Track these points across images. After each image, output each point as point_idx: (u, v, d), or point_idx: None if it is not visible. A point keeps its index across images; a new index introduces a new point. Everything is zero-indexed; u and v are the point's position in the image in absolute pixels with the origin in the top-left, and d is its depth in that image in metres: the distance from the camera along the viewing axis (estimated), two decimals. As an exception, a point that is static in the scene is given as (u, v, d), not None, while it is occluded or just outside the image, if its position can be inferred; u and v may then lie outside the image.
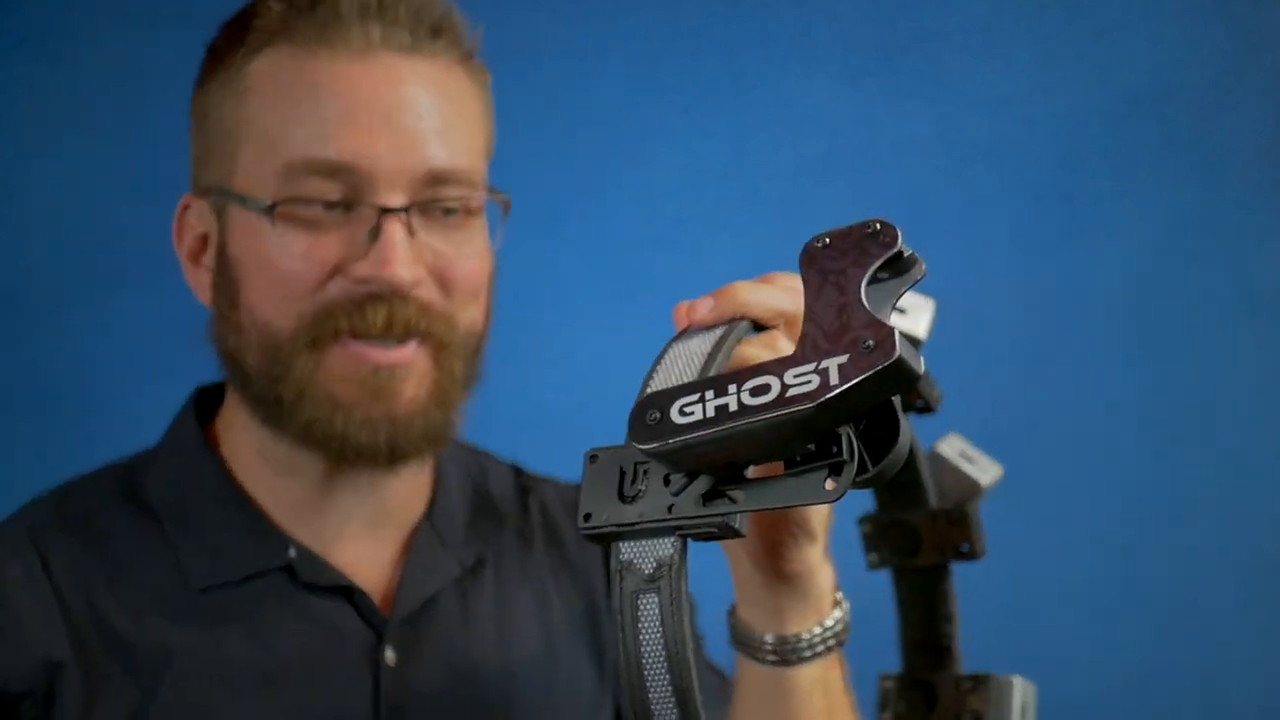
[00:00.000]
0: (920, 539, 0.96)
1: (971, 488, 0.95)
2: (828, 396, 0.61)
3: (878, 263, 0.63)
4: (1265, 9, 1.73)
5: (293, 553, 0.98)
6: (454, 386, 0.99)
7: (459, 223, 0.98)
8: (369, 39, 0.95)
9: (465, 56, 1.00)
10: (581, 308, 1.72)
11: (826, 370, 0.61)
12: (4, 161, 1.64)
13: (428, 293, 0.97)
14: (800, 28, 1.74)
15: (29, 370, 1.64)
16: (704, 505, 0.65)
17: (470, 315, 0.99)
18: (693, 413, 0.63)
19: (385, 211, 0.94)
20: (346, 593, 0.99)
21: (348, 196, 0.95)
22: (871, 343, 0.61)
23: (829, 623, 0.87)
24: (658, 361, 0.70)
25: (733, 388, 0.63)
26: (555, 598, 1.08)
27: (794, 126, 1.73)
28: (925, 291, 0.83)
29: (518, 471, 1.14)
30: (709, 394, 0.63)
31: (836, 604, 0.88)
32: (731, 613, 0.88)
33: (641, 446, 0.64)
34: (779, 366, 0.62)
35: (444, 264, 0.97)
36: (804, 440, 0.64)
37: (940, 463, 0.95)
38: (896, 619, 0.98)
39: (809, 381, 0.61)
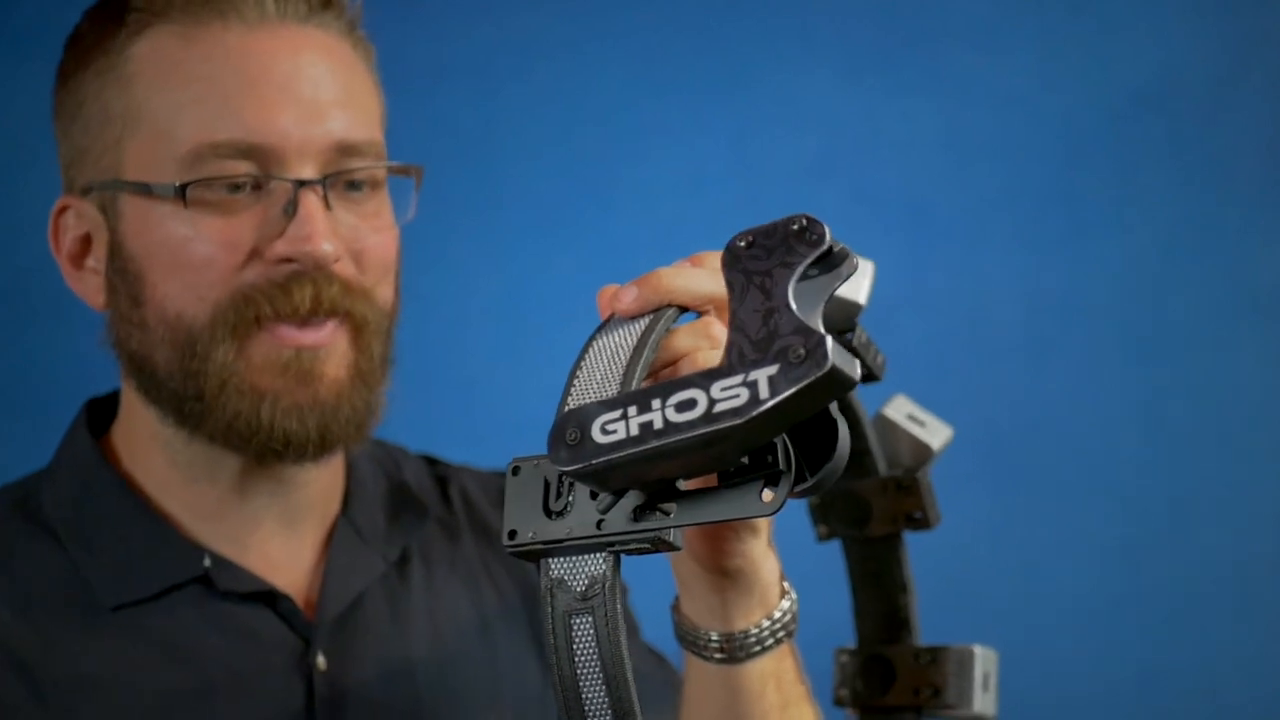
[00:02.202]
0: (870, 509, 0.92)
1: (922, 451, 0.91)
2: (758, 412, 0.58)
3: (805, 263, 0.59)
4: (1270, 7, 1.72)
5: (208, 561, 0.94)
6: (373, 368, 0.95)
7: (366, 196, 0.95)
8: (264, 9, 0.93)
9: (351, 28, 0.98)
10: (580, 307, 1.71)
11: (755, 383, 0.58)
12: (4, 161, 1.64)
13: (346, 269, 0.94)
14: (801, 24, 1.74)
15: (29, 370, 1.63)
16: (635, 520, 0.62)
17: (384, 293, 0.96)
18: (615, 431, 0.59)
19: (301, 184, 0.91)
20: (268, 598, 0.95)
21: (257, 174, 0.92)
22: (802, 352, 0.57)
23: (776, 615, 0.83)
24: (580, 359, 0.67)
25: (657, 403, 0.59)
26: (488, 588, 1.05)
27: (795, 124, 1.73)
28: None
29: (431, 461, 1.11)
30: (632, 410, 0.59)
31: (783, 594, 0.83)
32: (674, 608, 0.85)
33: (563, 468, 0.60)
34: (705, 379, 0.59)
35: (356, 239, 0.94)
36: (736, 455, 0.62)
37: (888, 427, 0.92)
38: (849, 591, 0.95)
39: (737, 396, 0.58)
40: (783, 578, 0.84)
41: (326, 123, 0.93)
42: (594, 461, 0.60)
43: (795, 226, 0.60)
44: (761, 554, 0.81)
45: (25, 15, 1.65)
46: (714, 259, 0.73)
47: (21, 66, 1.60)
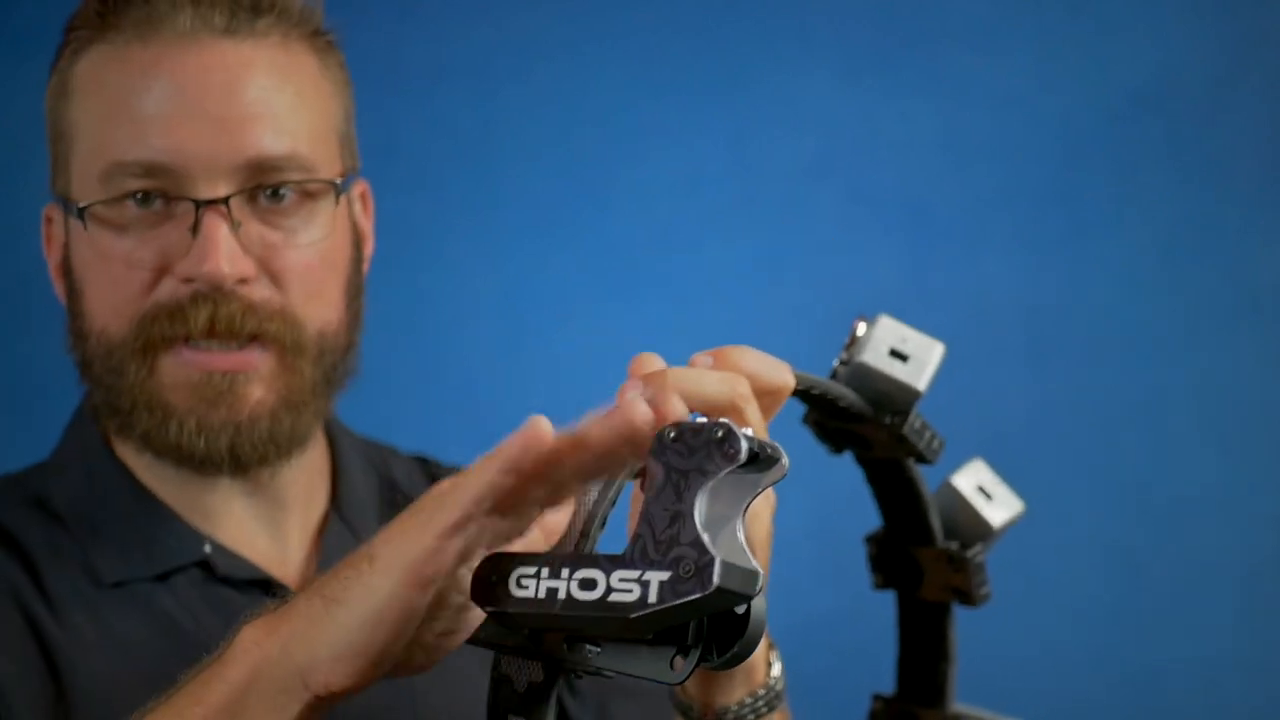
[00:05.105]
0: (923, 574, 0.89)
1: (982, 528, 0.87)
2: (641, 614, 0.59)
3: (720, 474, 0.59)
4: (1269, 7, 1.72)
5: (208, 548, 0.96)
6: (305, 390, 0.95)
7: (291, 209, 0.94)
8: (181, 26, 0.93)
9: (307, 33, 0.96)
10: (578, 307, 1.72)
11: (648, 584, 0.59)
12: (4, 161, 1.64)
13: (258, 290, 0.93)
14: (799, 25, 1.74)
15: (28, 370, 1.64)
16: (568, 648, 0.64)
17: (318, 312, 0.95)
18: (527, 588, 0.62)
19: (202, 204, 0.91)
20: (264, 586, 0.96)
21: (166, 193, 0.92)
22: (691, 568, 0.58)
23: (760, 692, 0.82)
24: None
25: (566, 572, 0.61)
26: None
27: (793, 125, 1.73)
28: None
29: (424, 461, 1.11)
30: (544, 572, 0.61)
31: (769, 667, 0.83)
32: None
33: (482, 607, 0.63)
34: (610, 564, 0.60)
35: (273, 255, 0.93)
36: (636, 635, 0.63)
37: (952, 496, 0.88)
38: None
39: (630, 591, 0.59)
40: (770, 648, 0.84)
41: (239, 138, 0.92)
42: (507, 610, 0.62)
43: (718, 434, 0.59)
44: None
45: (25, 15, 1.66)
46: (737, 355, 0.72)
47: (21, 66, 1.60)
